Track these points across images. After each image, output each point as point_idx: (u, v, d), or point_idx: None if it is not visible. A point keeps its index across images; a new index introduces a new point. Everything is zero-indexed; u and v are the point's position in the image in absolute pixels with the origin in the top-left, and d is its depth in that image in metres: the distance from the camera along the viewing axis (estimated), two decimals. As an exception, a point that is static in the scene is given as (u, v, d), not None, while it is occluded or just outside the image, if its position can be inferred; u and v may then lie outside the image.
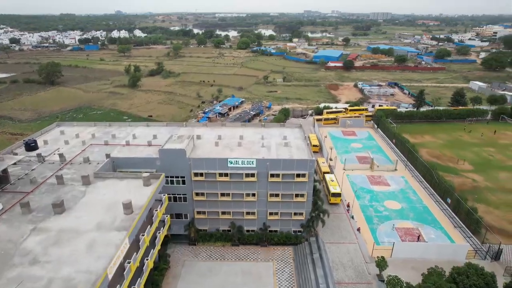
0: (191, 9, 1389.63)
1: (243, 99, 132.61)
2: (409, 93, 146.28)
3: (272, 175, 47.44)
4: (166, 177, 47.71)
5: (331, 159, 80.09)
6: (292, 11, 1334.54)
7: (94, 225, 33.45)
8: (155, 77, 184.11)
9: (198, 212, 50.95)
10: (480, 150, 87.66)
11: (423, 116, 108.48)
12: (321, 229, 52.97)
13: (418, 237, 53.86)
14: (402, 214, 60.50)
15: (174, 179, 48.44)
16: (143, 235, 35.95)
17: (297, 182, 47.84)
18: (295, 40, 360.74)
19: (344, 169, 76.19)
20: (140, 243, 35.61)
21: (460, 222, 57.57)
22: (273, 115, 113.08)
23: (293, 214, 50.58)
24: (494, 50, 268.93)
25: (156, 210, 39.98)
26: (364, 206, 62.72)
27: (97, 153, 50.23)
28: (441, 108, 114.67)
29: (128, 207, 34.97)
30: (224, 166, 47.11)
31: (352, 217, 58.29)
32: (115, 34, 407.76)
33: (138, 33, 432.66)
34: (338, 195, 61.62)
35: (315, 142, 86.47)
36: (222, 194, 49.38)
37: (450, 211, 60.73)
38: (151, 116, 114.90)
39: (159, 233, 41.75)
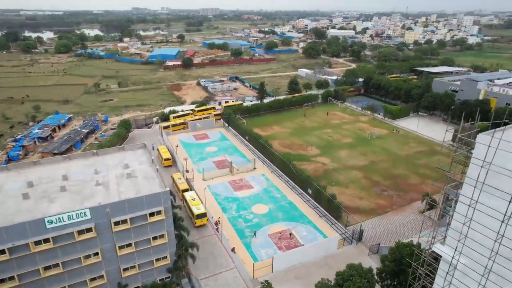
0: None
1: (71, 115, 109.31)
2: (250, 86, 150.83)
3: (116, 223, 35.82)
4: None
5: (187, 171, 71.94)
6: (119, 8, 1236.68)
7: None
8: None
9: (13, 302, 34.73)
10: (320, 133, 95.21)
11: (268, 108, 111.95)
12: (193, 265, 44.61)
13: (290, 234, 52.49)
14: (271, 216, 58.02)
15: (-44, 269, 31.08)
16: None
17: (152, 222, 37.64)
18: (126, 39, 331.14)
19: (203, 179, 69.52)
20: None
21: (324, 211, 59.00)
22: (112, 129, 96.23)
23: (155, 260, 40.20)
24: (309, 40, 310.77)
25: None
26: (233, 219, 57.44)
27: None
28: (281, 97, 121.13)
29: None
30: (41, 229, 32.61)
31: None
32: None
33: None
34: (203, 215, 54.10)
35: (167, 155, 76.39)
36: (48, 267, 34.66)
37: (313, 201, 61.90)
38: None
39: None
